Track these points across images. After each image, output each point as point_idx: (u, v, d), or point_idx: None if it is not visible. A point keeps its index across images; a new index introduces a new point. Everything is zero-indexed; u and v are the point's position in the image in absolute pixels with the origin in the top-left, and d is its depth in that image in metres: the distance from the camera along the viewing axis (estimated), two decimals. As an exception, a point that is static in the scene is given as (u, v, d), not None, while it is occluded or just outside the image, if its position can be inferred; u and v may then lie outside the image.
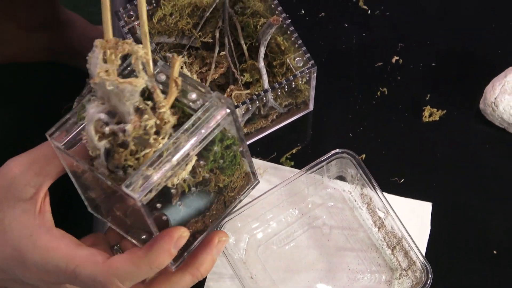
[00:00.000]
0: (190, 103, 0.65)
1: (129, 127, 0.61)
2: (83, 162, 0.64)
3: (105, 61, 0.62)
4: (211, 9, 0.96)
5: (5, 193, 0.69)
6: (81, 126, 0.65)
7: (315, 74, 0.93)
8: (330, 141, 1.02)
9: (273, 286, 0.94)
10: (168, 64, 0.65)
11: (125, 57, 0.64)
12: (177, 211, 0.69)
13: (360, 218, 0.97)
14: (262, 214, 0.96)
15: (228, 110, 0.65)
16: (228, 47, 0.95)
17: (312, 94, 0.99)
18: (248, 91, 0.93)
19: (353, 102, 1.04)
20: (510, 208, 0.97)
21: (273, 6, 0.95)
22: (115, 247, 0.74)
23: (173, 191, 0.67)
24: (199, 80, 0.82)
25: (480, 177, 0.99)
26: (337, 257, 0.96)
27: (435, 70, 1.06)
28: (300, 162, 1.00)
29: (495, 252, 0.95)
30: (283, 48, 0.94)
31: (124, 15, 0.95)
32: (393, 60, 1.06)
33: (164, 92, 0.64)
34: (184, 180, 0.66)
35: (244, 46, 0.95)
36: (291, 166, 1.00)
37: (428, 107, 1.03)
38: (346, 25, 1.09)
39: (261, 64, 0.92)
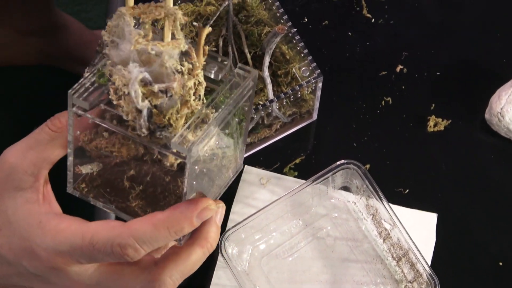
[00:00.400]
0: (211, 74, 0.66)
1: (175, 85, 0.61)
2: (112, 124, 0.64)
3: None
4: (214, 17, 0.95)
5: (4, 184, 0.68)
6: (101, 90, 0.64)
7: (320, 84, 0.93)
8: (333, 151, 1.01)
9: (277, 298, 0.94)
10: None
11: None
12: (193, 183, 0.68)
13: (365, 229, 0.96)
14: (266, 225, 0.95)
15: (252, 83, 0.67)
16: (232, 55, 0.94)
17: (317, 103, 0.98)
18: (252, 100, 0.92)
19: (357, 111, 1.03)
20: (516, 219, 0.97)
21: (278, 14, 0.94)
22: None
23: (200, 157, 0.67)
24: None
25: (485, 187, 0.99)
26: (342, 268, 0.95)
27: (439, 79, 1.05)
28: (303, 172, 1.00)
29: (500, 263, 0.95)
30: (288, 57, 0.93)
31: None
32: (398, 69, 1.06)
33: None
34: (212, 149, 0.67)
35: (248, 55, 0.94)
36: (295, 176, 1.00)
37: (433, 116, 1.02)
38: (350, 33, 1.08)
39: (266, 73, 0.91)
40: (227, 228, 0.93)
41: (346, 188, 0.98)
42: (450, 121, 1.02)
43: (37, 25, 1.70)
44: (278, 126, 0.99)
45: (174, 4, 0.70)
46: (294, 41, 0.93)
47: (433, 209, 0.97)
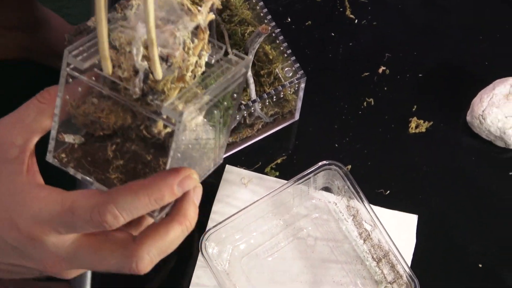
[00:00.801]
0: (206, 57, 0.67)
1: (177, 54, 0.62)
2: (104, 87, 0.64)
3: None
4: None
5: None
6: (96, 56, 0.64)
7: (303, 85, 0.92)
8: (315, 151, 1.01)
9: (257, 298, 0.94)
10: None
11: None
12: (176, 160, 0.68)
13: (346, 230, 0.96)
14: (247, 225, 0.95)
15: (245, 70, 0.67)
16: (215, 55, 0.93)
17: (299, 104, 0.98)
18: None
19: (339, 112, 1.03)
20: (496, 221, 0.97)
21: (261, 14, 0.93)
22: None
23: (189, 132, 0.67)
24: None
25: (466, 189, 0.99)
26: (322, 269, 0.95)
27: (422, 81, 1.05)
28: (285, 172, 0.99)
29: (480, 265, 0.95)
30: (271, 57, 0.93)
31: None
32: (380, 71, 1.06)
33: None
34: (196, 125, 0.67)
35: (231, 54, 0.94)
36: (276, 176, 0.99)
37: (415, 118, 1.02)
38: (333, 34, 1.08)
39: (249, 73, 0.91)
40: (207, 228, 0.93)
41: (327, 189, 0.98)
42: (431, 122, 1.02)
43: (19, 20, 1.68)
44: (260, 126, 0.99)
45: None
46: (278, 41, 0.92)
47: (414, 210, 0.97)
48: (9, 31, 1.69)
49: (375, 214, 0.90)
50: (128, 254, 0.65)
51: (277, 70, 0.91)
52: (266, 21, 0.93)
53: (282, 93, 0.92)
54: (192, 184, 0.65)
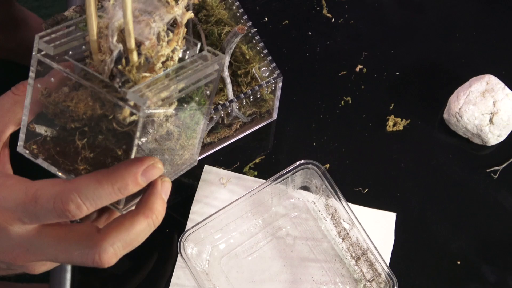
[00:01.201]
0: (180, 52, 0.67)
1: (148, 43, 0.62)
2: (74, 74, 0.64)
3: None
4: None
5: None
6: (68, 44, 0.65)
7: (280, 84, 0.92)
8: (293, 150, 1.01)
9: (237, 298, 0.94)
10: None
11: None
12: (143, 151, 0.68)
13: (324, 228, 0.96)
14: (226, 225, 0.95)
15: (218, 66, 0.68)
16: (192, 55, 0.93)
17: (277, 103, 0.98)
18: (212, 100, 0.92)
19: (317, 111, 1.03)
20: (474, 218, 0.98)
21: (238, 14, 0.93)
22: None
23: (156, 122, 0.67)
24: None
25: (444, 187, 1.00)
26: (301, 268, 0.95)
27: (399, 79, 1.05)
28: (263, 171, 1.00)
29: (458, 262, 0.95)
30: (247, 57, 0.92)
31: None
32: (357, 69, 1.06)
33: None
34: (166, 119, 0.67)
35: (208, 54, 0.94)
36: (255, 176, 0.99)
37: (392, 116, 1.03)
38: (310, 33, 1.08)
39: (226, 73, 0.91)
40: (186, 228, 0.93)
41: (305, 188, 0.98)
42: (409, 120, 1.03)
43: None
44: (238, 126, 0.99)
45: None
46: (254, 41, 0.92)
47: (392, 208, 0.98)
48: (-13, 32, 1.68)
49: (353, 213, 0.90)
50: (92, 245, 0.64)
51: (254, 70, 0.91)
52: (242, 21, 0.93)
53: (259, 92, 0.92)
54: (156, 174, 0.65)
